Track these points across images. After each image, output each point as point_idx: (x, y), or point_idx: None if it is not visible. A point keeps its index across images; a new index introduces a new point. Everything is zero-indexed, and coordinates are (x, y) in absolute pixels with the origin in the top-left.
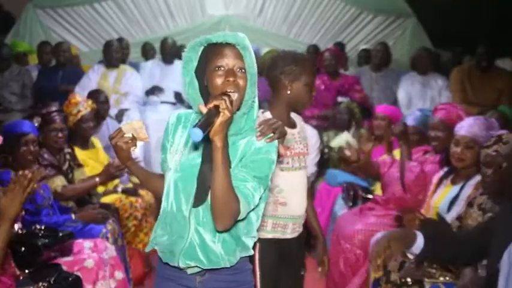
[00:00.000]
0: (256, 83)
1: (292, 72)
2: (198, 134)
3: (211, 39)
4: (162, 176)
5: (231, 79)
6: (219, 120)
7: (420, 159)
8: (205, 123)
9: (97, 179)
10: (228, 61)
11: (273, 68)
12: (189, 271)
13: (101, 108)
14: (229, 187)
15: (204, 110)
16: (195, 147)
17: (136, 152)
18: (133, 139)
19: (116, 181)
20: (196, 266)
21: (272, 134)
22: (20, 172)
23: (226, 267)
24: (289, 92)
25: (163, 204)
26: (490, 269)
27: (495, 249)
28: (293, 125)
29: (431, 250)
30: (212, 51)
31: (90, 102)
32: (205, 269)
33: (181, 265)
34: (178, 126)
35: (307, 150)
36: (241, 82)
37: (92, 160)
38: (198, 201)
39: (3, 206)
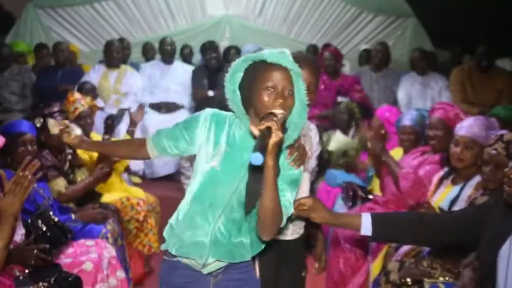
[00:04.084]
0: (306, 108)
1: None
2: (259, 159)
3: (266, 59)
4: (125, 142)
5: (280, 101)
6: (272, 141)
7: (419, 160)
8: (262, 146)
9: (91, 179)
10: (278, 83)
11: None
12: (206, 270)
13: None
14: (278, 202)
15: (256, 131)
16: (240, 147)
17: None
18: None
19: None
20: (218, 261)
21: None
22: (20, 173)
23: (241, 263)
24: None
25: (191, 197)
26: (483, 264)
27: (488, 242)
28: None
29: (388, 232)
30: (263, 68)
31: (88, 99)
32: (222, 267)
33: (205, 261)
34: (212, 123)
35: (311, 154)
36: (289, 102)
37: (93, 156)
38: (249, 210)
39: (5, 205)
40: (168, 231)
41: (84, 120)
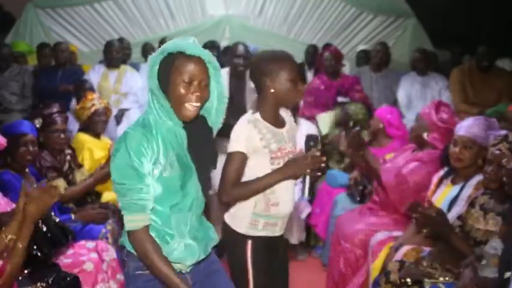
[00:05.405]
0: (224, 99)
1: (271, 71)
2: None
3: (184, 50)
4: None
5: (198, 94)
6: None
7: (406, 159)
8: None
9: (91, 179)
10: (196, 76)
11: (254, 71)
12: (189, 268)
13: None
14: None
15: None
16: (176, 142)
17: None
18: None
19: None
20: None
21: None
22: (51, 184)
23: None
24: (272, 91)
25: (168, 210)
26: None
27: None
28: (282, 124)
29: None
30: (180, 61)
31: (105, 101)
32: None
33: (199, 258)
34: (152, 142)
35: (296, 148)
36: (205, 94)
37: (97, 149)
38: (207, 190)
39: (31, 212)
40: (169, 251)
41: (99, 118)
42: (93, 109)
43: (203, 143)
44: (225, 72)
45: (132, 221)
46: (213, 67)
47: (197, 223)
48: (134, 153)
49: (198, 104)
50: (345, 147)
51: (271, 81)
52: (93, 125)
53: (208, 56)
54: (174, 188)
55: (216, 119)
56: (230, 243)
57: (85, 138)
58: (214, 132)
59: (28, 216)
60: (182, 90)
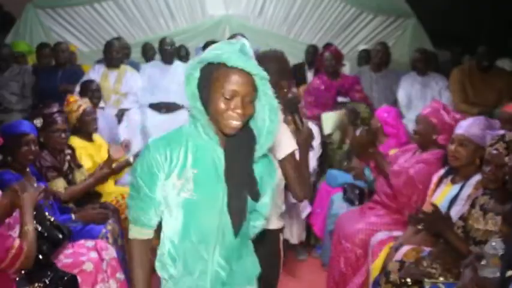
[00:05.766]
0: (277, 112)
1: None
2: None
3: (225, 62)
4: (139, 270)
5: (239, 111)
6: None
7: (410, 161)
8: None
9: (91, 179)
10: (238, 91)
11: None
12: None
13: (92, 96)
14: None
15: None
16: (207, 162)
17: (133, 151)
18: None
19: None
20: None
21: None
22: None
23: None
24: None
25: (176, 237)
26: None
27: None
28: None
29: None
30: (221, 72)
31: (86, 99)
32: None
33: None
34: (163, 155)
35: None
36: (248, 111)
37: (93, 153)
38: (239, 226)
39: (26, 199)
40: (162, 270)
41: (90, 117)
42: (81, 110)
43: (242, 163)
44: None
45: (130, 229)
46: (260, 79)
47: (223, 261)
48: (148, 163)
49: (239, 123)
50: (355, 143)
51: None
52: (85, 126)
53: (254, 67)
54: (188, 212)
55: (265, 141)
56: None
57: (77, 142)
58: (258, 155)
59: (25, 204)
60: (222, 106)
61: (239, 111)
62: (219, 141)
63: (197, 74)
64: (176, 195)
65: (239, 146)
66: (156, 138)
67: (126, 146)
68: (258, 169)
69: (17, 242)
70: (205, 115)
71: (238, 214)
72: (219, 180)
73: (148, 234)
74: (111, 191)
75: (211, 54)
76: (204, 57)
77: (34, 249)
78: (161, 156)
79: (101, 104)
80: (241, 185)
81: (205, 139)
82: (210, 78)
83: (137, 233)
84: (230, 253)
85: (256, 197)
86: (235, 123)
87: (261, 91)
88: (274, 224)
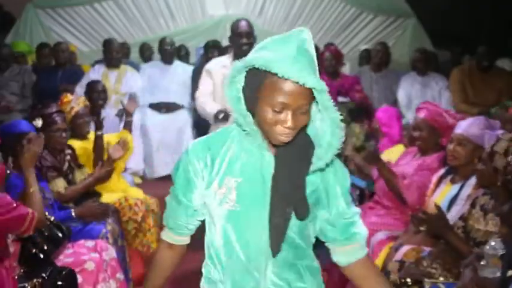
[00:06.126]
0: (340, 127)
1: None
2: None
3: (277, 72)
4: (156, 268)
5: (289, 124)
6: None
7: (414, 167)
8: None
9: (91, 178)
10: (289, 104)
11: None
12: None
13: (98, 97)
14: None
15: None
16: (253, 170)
17: (136, 154)
18: None
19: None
20: None
21: None
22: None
23: None
24: None
25: (221, 253)
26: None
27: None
28: None
29: None
30: (270, 80)
31: (82, 99)
32: None
33: None
34: (202, 160)
35: None
36: (301, 122)
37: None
38: (278, 244)
39: (26, 159)
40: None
41: (81, 120)
42: (73, 112)
43: (293, 173)
44: (227, 58)
45: (163, 230)
46: (318, 93)
47: (277, 278)
48: (184, 167)
49: (289, 138)
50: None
51: None
52: (77, 129)
53: (310, 80)
54: (232, 226)
55: (325, 154)
56: None
57: (74, 143)
58: (314, 168)
59: (26, 164)
60: (270, 116)
61: (289, 124)
62: (268, 147)
63: (242, 77)
64: (218, 205)
65: (293, 153)
66: (197, 140)
67: (124, 144)
68: (324, 180)
69: (29, 209)
70: (252, 120)
71: (275, 233)
72: (265, 191)
73: (174, 240)
74: (114, 188)
75: (260, 57)
76: (251, 60)
77: (42, 209)
78: (200, 162)
79: None
80: (287, 199)
81: (252, 144)
82: (258, 84)
83: (165, 234)
84: (286, 270)
85: (303, 215)
86: (284, 139)
87: (320, 105)
88: None
